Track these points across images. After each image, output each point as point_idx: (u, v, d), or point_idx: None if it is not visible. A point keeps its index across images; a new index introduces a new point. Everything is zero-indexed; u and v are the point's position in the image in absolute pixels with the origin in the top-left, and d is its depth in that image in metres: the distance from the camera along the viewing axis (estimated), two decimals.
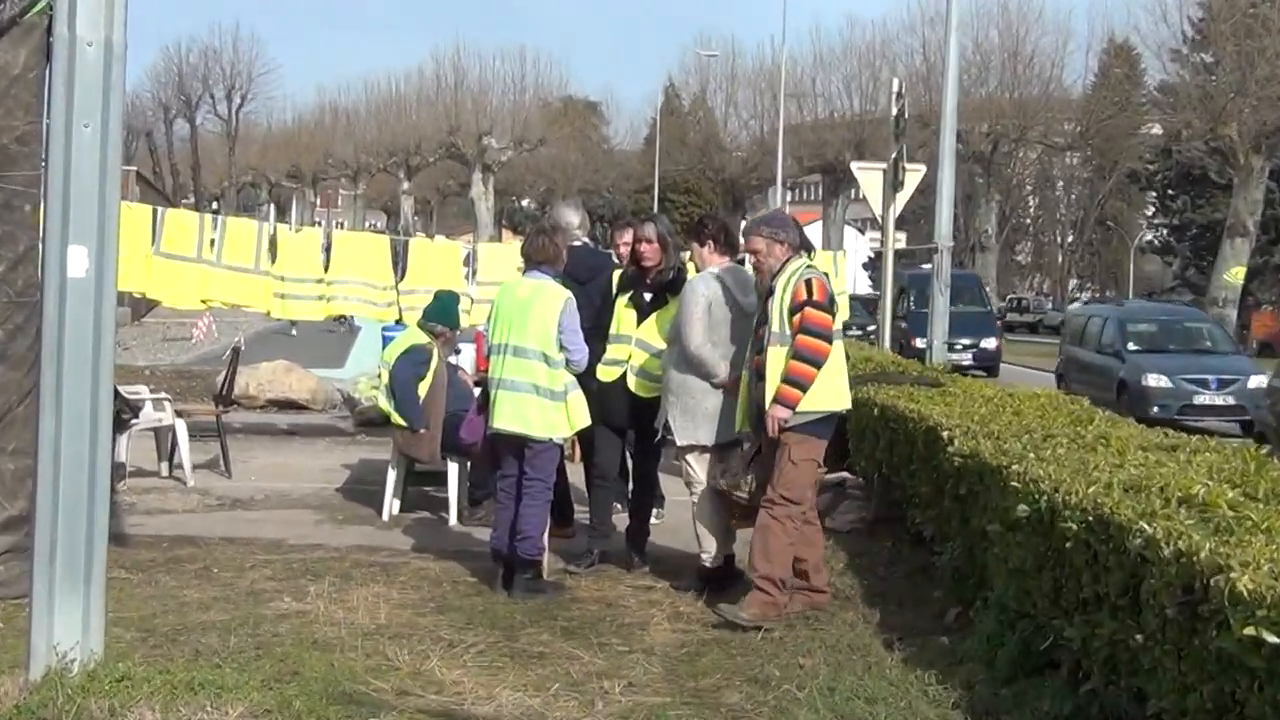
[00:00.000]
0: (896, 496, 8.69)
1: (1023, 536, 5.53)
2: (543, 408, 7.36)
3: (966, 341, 29.10)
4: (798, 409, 6.84)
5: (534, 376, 7.36)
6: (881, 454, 8.75)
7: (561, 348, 7.37)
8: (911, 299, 29.11)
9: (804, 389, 6.82)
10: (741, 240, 7.45)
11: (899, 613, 7.08)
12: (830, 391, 6.94)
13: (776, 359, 6.90)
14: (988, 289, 36.88)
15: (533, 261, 7.59)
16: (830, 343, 6.89)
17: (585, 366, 7.53)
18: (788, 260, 7.05)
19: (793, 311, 6.88)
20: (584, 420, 7.53)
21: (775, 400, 6.86)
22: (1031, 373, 28.85)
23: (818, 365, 6.84)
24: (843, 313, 15.30)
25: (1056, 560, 5.21)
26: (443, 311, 9.84)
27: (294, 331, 32.62)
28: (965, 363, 27.79)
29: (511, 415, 7.40)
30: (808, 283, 6.89)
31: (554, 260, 7.59)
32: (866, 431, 9.20)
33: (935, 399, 8.49)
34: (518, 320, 7.41)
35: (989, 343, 30.33)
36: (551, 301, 7.40)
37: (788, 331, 6.88)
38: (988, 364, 29.54)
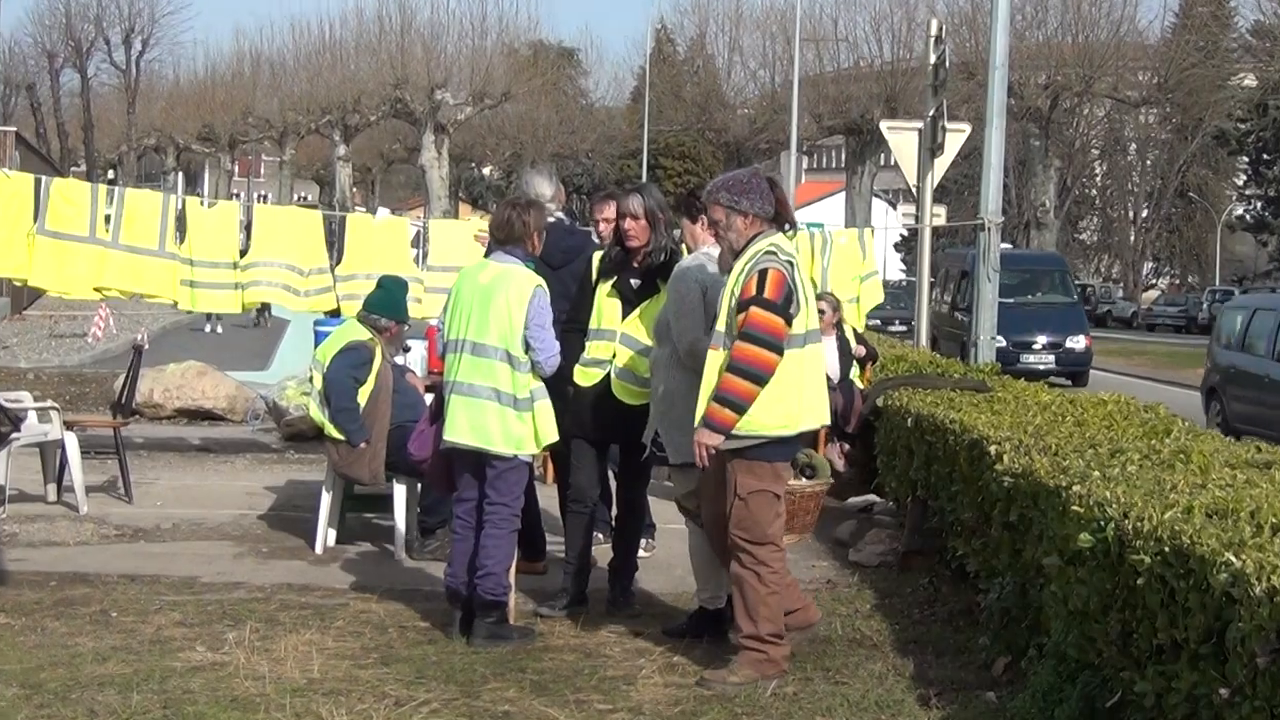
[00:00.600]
0: (934, 524, 8.74)
1: (1085, 571, 5.57)
2: (504, 417, 7.38)
3: (1046, 340, 27.91)
4: (736, 431, 6.60)
5: (495, 380, 7.39)
6: (916, 473, 8.79)
7: (528, 347, 7.40)
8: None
9: (739, 410, 6.55)
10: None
11: (937, 663, 7.12)
12: (782, 411, 6.66)
13: (714, 364, 6.67)
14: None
15: (499, 241, 7.62)
16: (780, 352, 6.56)
17: (556, 369, 7.56)
18: (754, 237, 6.78)
19: (740, 308, 6.62)
20: (552, 435, 7.57)
21: (703, 421, 6.62)
22: (1134, 382, 27.52)
23: (759, 381, 6.53)
24: (875, 296, 15.51)
25: (1126, 600, 5.25)
26: (387, 302, 9.85)
27: (217, 329, 32.27)
28: (1044, 367, 26.84)
29: (468, 426, 7.42)
30: (761, 274, 6.59)
31: (525, 240, 7.62)
32: (898, 446, 9.25)
33: (981, 406, 8.54)
34: (478, 312, 7.44)
35: (1076, 342, 28.38)
36: (519, 290, 7.43)
37: (733, 331, 6.62)
38: (1075, 369, 27.95)
